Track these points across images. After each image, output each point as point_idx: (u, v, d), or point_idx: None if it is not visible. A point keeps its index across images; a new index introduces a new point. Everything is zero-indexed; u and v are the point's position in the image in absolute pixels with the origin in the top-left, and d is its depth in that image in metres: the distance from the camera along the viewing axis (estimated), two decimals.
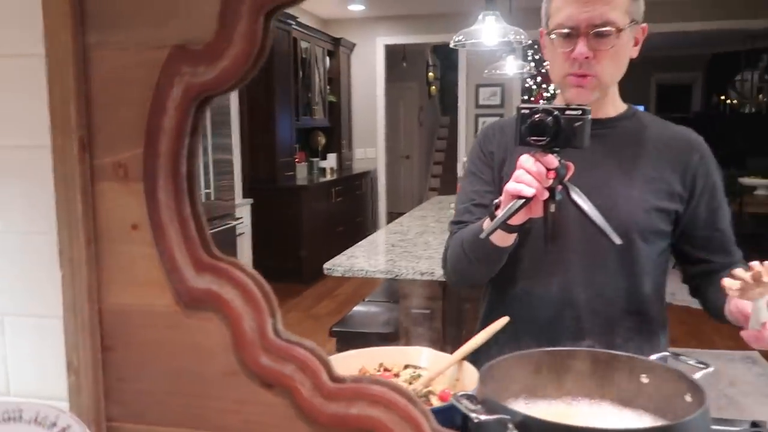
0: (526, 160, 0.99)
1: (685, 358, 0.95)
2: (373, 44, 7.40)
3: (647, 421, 0.82)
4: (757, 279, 0.89)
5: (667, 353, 0.96)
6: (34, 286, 0.71)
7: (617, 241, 0.97)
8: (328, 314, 4.87)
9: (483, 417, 0.71)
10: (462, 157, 6.87)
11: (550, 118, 0.96)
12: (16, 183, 0.73)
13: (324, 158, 6.98)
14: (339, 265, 2.48)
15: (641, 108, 1.35)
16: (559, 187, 0.99)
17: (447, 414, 0.79)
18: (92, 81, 0.63)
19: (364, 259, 2.61)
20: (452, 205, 1.71)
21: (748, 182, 6.12)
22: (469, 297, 2.41)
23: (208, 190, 4.20)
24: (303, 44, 6.29)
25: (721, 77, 9.97)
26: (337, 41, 7.07)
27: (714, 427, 0.78)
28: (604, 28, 1.12)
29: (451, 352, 1.02)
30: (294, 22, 5.89)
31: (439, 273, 2.25)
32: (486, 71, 5.10)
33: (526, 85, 8.09)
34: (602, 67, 1.15)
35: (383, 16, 7.25)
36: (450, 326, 2.48)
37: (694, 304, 1.31)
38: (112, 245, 0.66)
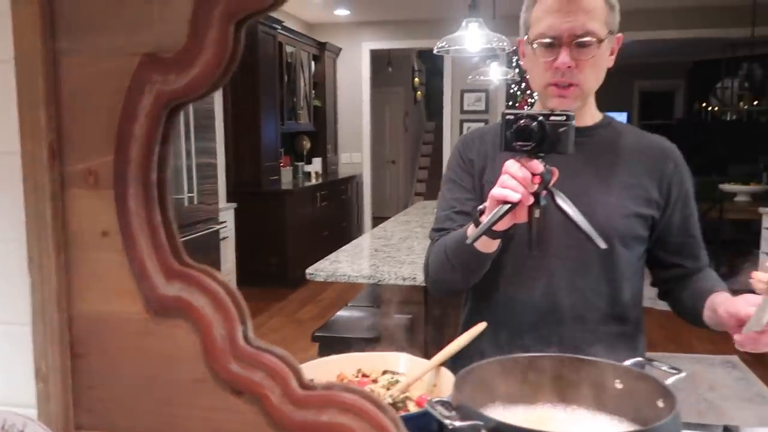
0: (511, 165, 1.00)
1: (658, 364, 0.96)
2: (358, 49, 7.41)
3: (621, 426, 0.83)
4: None
5: (641, 359, 0.97)
6: (3, 292, 0.71)
7: (603, 245, 0.98)
8: (311, 319, 4.86)
9: (457, 423, 0.71)
10: None
11: (535, 124, 0.97)
12: None
13: (309, 162, 6.97)
14: (322, 270, 2.48)
15: (624, 114, 1.37)
16: (544, 192, 0.99)
17: (422, 420, 0.79)
18: (62, 87, 0.62)
19: (347, 264, 2.61)
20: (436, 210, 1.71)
21: (729, 188, 6.19)
22: (452, 303, 2.41)
23: (191, 194, 4.15)
24: (288, 48, 6.28)
25: (702, 85, 10.09)
26: (322, 46, 7.07)
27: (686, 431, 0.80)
28: (585, 38, 1.13)
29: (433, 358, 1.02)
30: (279, 27, 5.89)
31: (421, 278, 2.26)
32: (470, 77, 5.13)
33: (511, 91, 8.14)
34: (584, 76, 1.16)
35: (369, 21, 7.27)
36: (432, 331, 2.49)
37: None
38: (82, 252, 0.65)
